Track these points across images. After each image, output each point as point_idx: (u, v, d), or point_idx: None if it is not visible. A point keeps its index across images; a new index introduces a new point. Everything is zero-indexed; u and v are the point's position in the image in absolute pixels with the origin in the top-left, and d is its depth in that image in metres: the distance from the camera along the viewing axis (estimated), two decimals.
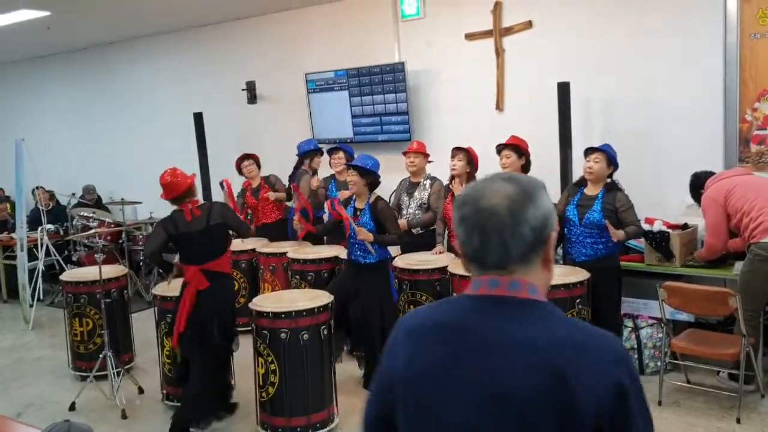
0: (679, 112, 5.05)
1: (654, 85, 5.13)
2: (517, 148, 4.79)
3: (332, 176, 6.02)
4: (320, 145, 6.31)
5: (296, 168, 6.15)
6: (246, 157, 6.28)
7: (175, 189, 4.10)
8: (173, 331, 4.06)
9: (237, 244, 6.08)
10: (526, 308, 1.25)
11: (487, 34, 5.91)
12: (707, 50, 4.91)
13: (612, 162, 4.38)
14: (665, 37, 5.06)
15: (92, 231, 5.07)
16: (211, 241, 4.06)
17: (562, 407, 1.15)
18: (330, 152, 6.01)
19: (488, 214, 1.24)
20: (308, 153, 6.10)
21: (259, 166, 6.29)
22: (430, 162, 5.41)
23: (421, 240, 5.31)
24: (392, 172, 5.81)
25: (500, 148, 4.85)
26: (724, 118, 4.92)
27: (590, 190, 4.46)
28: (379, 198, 4.51)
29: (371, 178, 4.43)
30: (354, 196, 4.57)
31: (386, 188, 5.75)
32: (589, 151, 4.45)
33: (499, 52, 5.85)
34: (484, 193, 1.26)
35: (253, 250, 5.89)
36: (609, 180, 4.44)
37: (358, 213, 4.46)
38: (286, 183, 6.22)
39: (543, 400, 1.16)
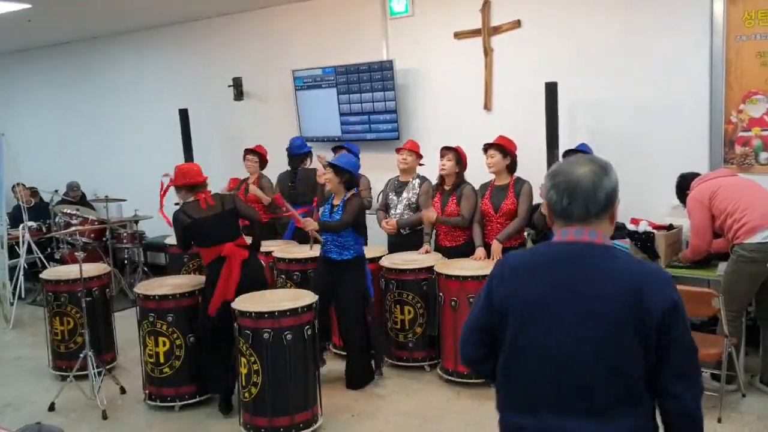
0: (665, 114, 5.06)
1: (641, 87, 5.14)
2: (501, 147, 4.78)
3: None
4: (311, 144, 6.28)
5: (295, 168, 6.09)
6: (250, 151, 6.21)
7: (195, 176, 4.35)
8: (210, 302, 4.20)
9: None
10: (608, 250, 1.76)
11: (475, 33, 5.88)
12: (694, 52, 4.92)
13: None
14: (652, 39, 5.06)
15: (73, 228, 4.99)
16: (230, 223, 4.36)
17: (638, 320, 1.66)
18: (334, 151, 5.93)
19: (576, 183, 1.75)
20: (302, 155, 6.08)
21: (262, 165, 6.21)
22: (421, 165, 5.40)
23: (408, 240, 5.29)
24: (380, 170, 5.80)
25: (486, 148, 4.85)
26: (709, 120, 4.94)
27: None
28: (354, 194, 4.54)
29: (346, 176, 4.50)
30: (333, 194, 4.63)
31: (374, 188, 5.74)
32: (567, 153, 4.51)
33: (488, 51, 5.84)
34: (574, 168, 1.77)
35: None
36: None
37: (333, 210, 4.53)
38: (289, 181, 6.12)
39: (627, 314, 1.66)
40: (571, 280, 1.74)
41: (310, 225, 4.46)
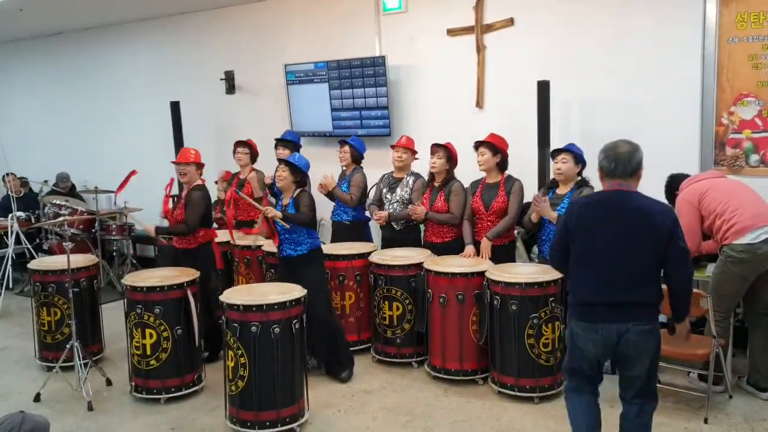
0: (656, 114, 5.07)
1: (633, 87, 5.15)
2: (492, 145, 4.78)
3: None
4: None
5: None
6: (240, 143, 6.12)
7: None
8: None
9: None
10: (635, 194, 3.01)
11: (468, 30, 5.88)
12: (686, 53, 4.93)
13: (579, 160, 4.50)
14: (645, 39, 5.07)
15: (61, 218, 4.95)
16: None
17: (653, 231, 2.92)
18: (341, 145, 5.87)
19: (619, 155, 3.01)
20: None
21: (253, 158, 6.12)
22: (416, 159, 5.40)
23: (401, 235, 5.29)
24: (371, 166, 5.78)
25: (476, 145, 4.84)
26: (700, 121, 4.95)
27: (561, 190, 4.56)
28: (302, 191, 4.60)
29: (300, 176, 4.58)
30: (281, 194, 4.67)
31: (369, 182, 5.72)
32: (556, 153, 4.56)
33: (480, 48, 5.83)
34: (618, 146, 3.04)
35: (227, 242, 5.80)
36: (579, 178, 4.53)
37: (285, 208, 4.55)
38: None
39: (646, 231, 2.92)
40: (614, 210, 3.00)
41: (272, 212, 4.46)
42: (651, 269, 2.96)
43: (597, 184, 4.82)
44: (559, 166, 4.50)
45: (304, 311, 4.00)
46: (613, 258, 2.95)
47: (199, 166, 5.00)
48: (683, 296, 3.07)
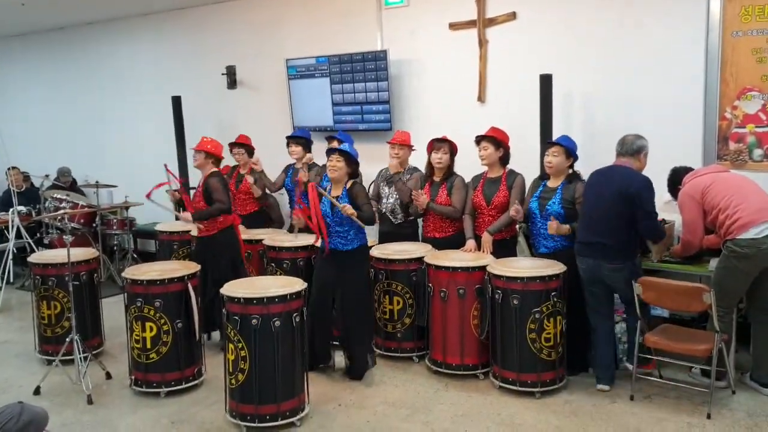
0: (659, 109, 5.04)
1: (636, 81, 5.12)
2: (494, 139, 4.75)
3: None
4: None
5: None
6: (235, 144, 6.14)
7: (221, 151, 5.17)
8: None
9: None
10: (625, 168, 4.19)
11: (470, 24, 5.85)
12: (689, 47, 4.90)
13: (571, 154, 4.48)
14: (648, 33, 5.04)
15: (62, 212, 4.94)
16: None
17: (625, 194, 4.06)
18: (328, 141, 5.87)
19: (625, 139, 4.26)
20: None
21: (250, 154, 6.15)
22: (414, 150, 5.37)
23: (401, 229, 5.28)
24: (372, 161, 5.76)
25: (479, 140, 4.81)
26: (704, 116, 4.92)
27: (552, 183, 4.55)
28: (354, 182, 4.50)
29: (354, 168, 4.48)
30: (330, 183, 4.54)
31: (367, 178, 5.71)
32: (548, 145, 4.56)
33: (483, 42, 5.80)
34: (627, 135, 4.26)
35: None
36: (570, 171, 4.52)
37: (338, 199, 4.42)
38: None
39: (619, 191, 4.08)
40: (605, 177, 4.19)
41: (349, 210, 4.29)
42: (622, 221, 4.07)
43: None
44: (549, 159, 4.48)
45: (305, 304, 3.98)
46: (596, 212, 4.14)
47: (210, 155, 5.00)
48: (649, 238, 4.29)
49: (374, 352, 4.74)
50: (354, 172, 4.49)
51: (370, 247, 5.01)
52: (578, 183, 4.45)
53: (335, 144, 5.55)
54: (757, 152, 4.79)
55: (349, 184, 4.45)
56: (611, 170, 4.19)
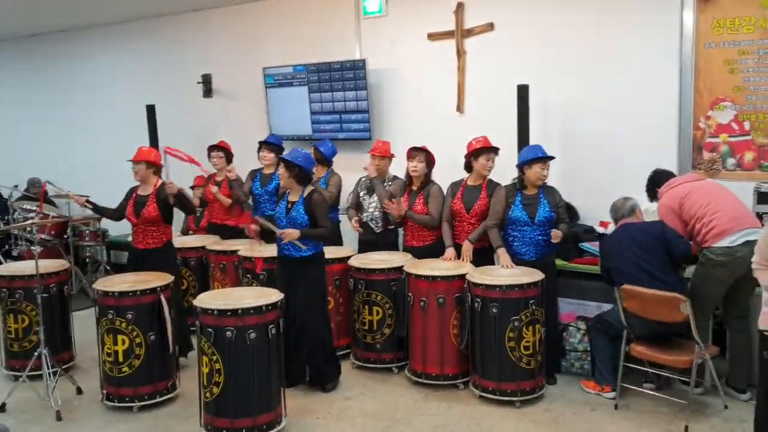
0: (635, 118, 5.08)
1: (612, 91, 5.16)
2: (497, 150, 4.76)
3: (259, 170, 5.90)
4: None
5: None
6: (215, 148, 6.05)
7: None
8: None
9: (186, 241, 5.92)
10: (643, 222, 4.40)
11: (449, 34, 5.86)
12: (664, 58, 4.96)
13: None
14: (624, 44, 5.09)
15: (30, 222, 4.79)
16: None
17: (661, 239, 4.13)
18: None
19: (615, 206, 4.46)
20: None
21: (228, 160, 6.06)
22: (393, 157, 5.37)
23: (382, 238, 5.24)
24: (351, 170, 5.72)
25: (482, 151, 4.72)
26: (678, 125, 4.97)
27: (529, 191, 4.56)
28: (314, 191, 4.45)
29: (296, 170, 4.36)
30: (287, 189, 4.51)
31: (346, 187, 5.67)
32: (544, 160, 4.51)
33: (461, 53, 5.81)
34: (614, 202, 4.49)
35: (203, 247, 5.70)
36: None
37: (290, 206, 4.39)
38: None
39: (658, 238, 4.15)
40: (638, 233, 4.24)
41: (289, 237, 4.24)
42: (667, 258, 4.18)
43: (584, 193, 5.14)
44: (545, 173, 4.56)
45: (281, 316, 3.91)
46: (646, 262, 4.13)
47: (151, 165, 4.84)
48: (687, 260, 4.34)
49: (338, 362, 4.66)
50: (298, 175, 4.37)
51: (349, 257, 4.97)
52: (555, 190, 4.60)
53: (263, 151, 5.70)
54: (731, 161, 4.85)
55: (306, 192, 4.41)
56: (631, 228, 4.26)
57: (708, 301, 4.14)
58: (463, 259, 4.66)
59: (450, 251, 4.73)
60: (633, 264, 4.10)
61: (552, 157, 4.55)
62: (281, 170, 4.42)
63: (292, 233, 4.26)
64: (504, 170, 5.02)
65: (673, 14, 4.90)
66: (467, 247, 4.67)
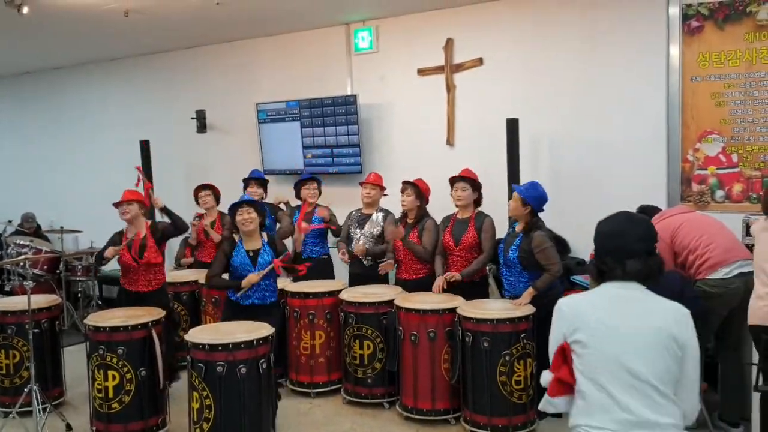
0: (624, 152, 5.15)
1: (600, 124, 5.23)
2: (472, 181, 4.75)
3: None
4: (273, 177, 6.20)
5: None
6: (203, 187, 6.01)
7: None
8: None
9: (179, 276, 5.90)
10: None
11: (438, 69, 5.96)
12: (651, 92, 5.04)
13: (526, 202, 4.29)
14: (612, 78, 5.18)
15: (23, 257, 4.80)
16: None
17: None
18: (295, 187, 5.81)
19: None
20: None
21: (217, 200, 6.01)
22: (385, 195, 5.38)
23: (370, 272, 5.23)
24: (343, 204, 5.76)
25: (454, 180, 4.77)
26: (667, 158, 5.03)
27: (518, 228, 4.42)
28: (270, 236, 4.56)
29: (263, 216, 4.48)
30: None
31: (338, 220, 5.69)
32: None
33: (450, 87, 5.91)
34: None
35: (196, 281, 5.69)
36: (533, 219, 4.34)
37: (257, 253, 4.38)
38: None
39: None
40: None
41: (251, 281, 4.30)
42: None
43: (574, 226, 5.04)
44: (509, 203, 4.46)
45: (272, 350, 3.90)
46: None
47: (141, 204, 4.81)
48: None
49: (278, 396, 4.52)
50: (263, 222, 4.45)
51: (340, 290, 4.96)
52: (535, 233, 4.25)
53: (253, 187, 5.60)
54: (719, 193, 4.90)
55: (267, 238, 4.45)
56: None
57: (703, 333, 4.13)
58: (442, 286, 4.63)
59: (440, 279, 4.70)
60: None
61: (515, 190, 4.42)
62: (248, 214, 4.30)
63: (250, 278, 4.26)
64: (495, 201, 5.05)
65: (659, 48, 5.00)
66: (450, 277, 4.63)
